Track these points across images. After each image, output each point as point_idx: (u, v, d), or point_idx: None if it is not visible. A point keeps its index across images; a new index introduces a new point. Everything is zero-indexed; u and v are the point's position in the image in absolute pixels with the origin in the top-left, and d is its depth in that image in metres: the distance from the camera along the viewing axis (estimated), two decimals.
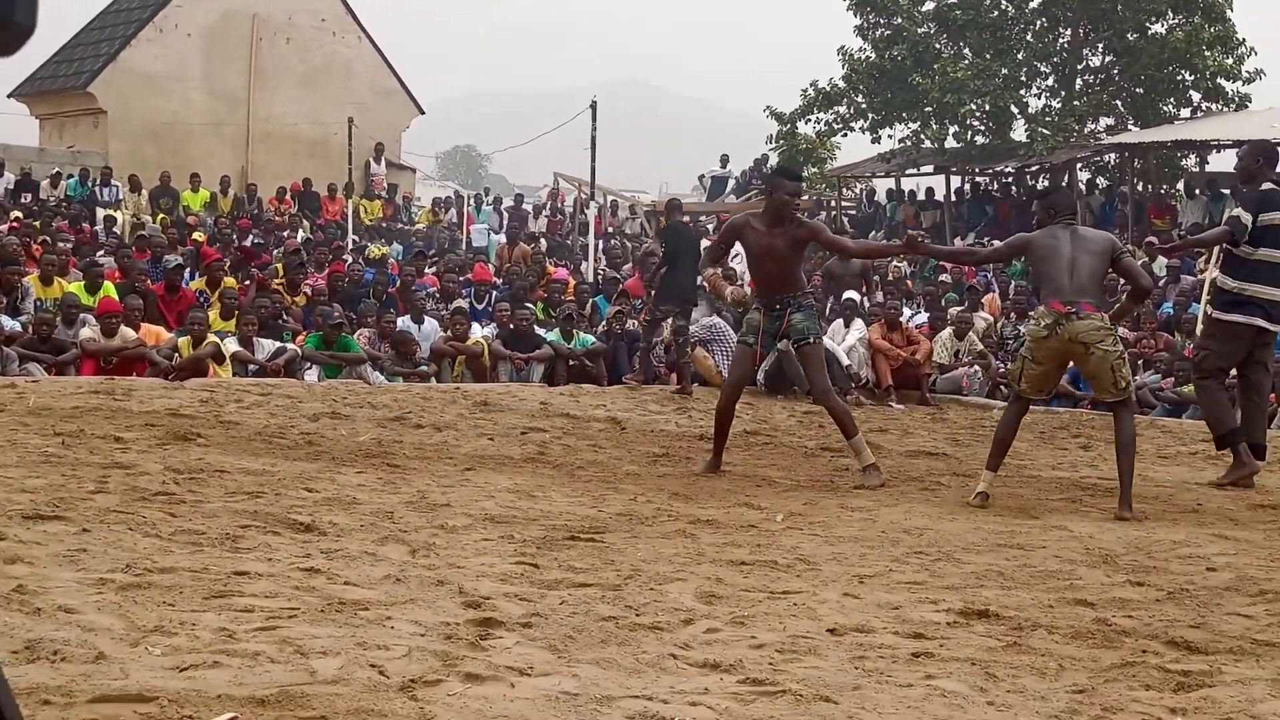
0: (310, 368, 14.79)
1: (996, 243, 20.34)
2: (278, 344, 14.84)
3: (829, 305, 17.60)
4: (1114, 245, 8.98)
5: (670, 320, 15.50)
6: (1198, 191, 26.96)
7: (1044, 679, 4.66)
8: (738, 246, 10.92)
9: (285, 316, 16.11)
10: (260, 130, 31.89)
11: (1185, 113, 30.56)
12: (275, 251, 22.49)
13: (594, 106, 23.53)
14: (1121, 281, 12.11)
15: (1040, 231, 9.04)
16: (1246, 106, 29.89)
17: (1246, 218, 10.34)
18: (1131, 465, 8.74)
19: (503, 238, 28.19)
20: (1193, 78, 30.02)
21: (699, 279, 15.64)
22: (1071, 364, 9.34)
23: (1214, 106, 30.12)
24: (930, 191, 32.10)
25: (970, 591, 6.00)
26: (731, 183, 34.78)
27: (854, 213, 33.91)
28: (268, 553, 6.02)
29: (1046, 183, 30.93)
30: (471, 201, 33.23)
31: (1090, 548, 7.23)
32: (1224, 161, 29.85)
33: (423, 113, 35.13)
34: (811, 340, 9.64)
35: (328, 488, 7.93)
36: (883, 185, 34.76)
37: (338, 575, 5.67)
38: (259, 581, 5.44)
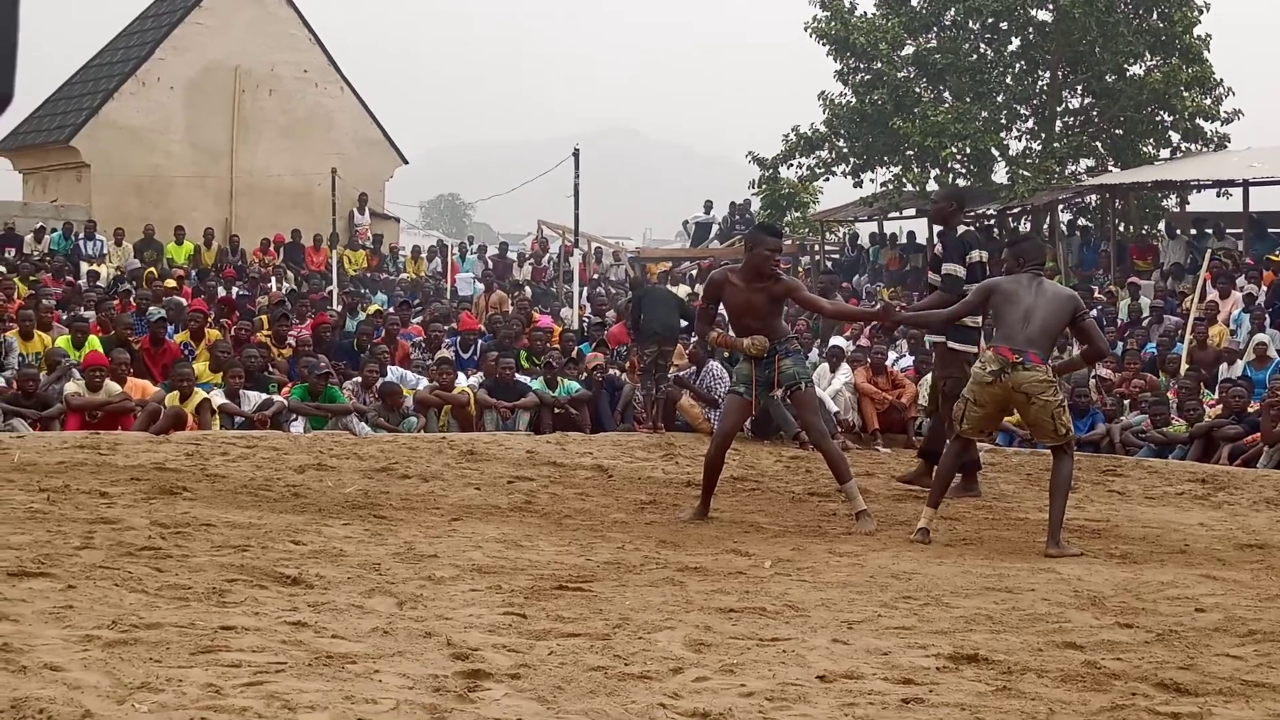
0: (296, 419, 14.77)
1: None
2: (264, 396, 14.82)
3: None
4: (1077, 305, 9.17)
5: (657, 360, 15.80)
6: (1179, 231, 27.08)
7: None
8: None
9: (271, 368, 16.09)
10: (243, 182, 31.88)
11: (1165, 153, 30.70)
12: (259, 301, 22.50)
13: (577, 154, 23.62)
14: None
15: (1005, 279, 9.25)
16: (1226, 146, 30.05)
17: (961, 269, 11.29)
18: (1063, 506, 8.95)
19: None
20: (1172, 118, 30.17)
21: (675, 319, 15.93)
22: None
23: (1193, 147, 30.26)
24: (913, 235, 32.18)
25: (959, 636, 5.99)
26: (715, 228, 34.88)
27: (837, 257, 33.99)
28: (255, 606, 6.00)
29: (1028, 225, 31.03)
30: (456, 250, 33.28)
31: (1078, 590, 7.23)
32: (1205, 201, 30.03)
33: (406, 162, 35.15)
34: (803, 386, 9.67)
35: (314, 540, 7.91)
36: (865, 229, 34.84)
37: (325, 628, 5.65)
38: (246, 636, 5.42)
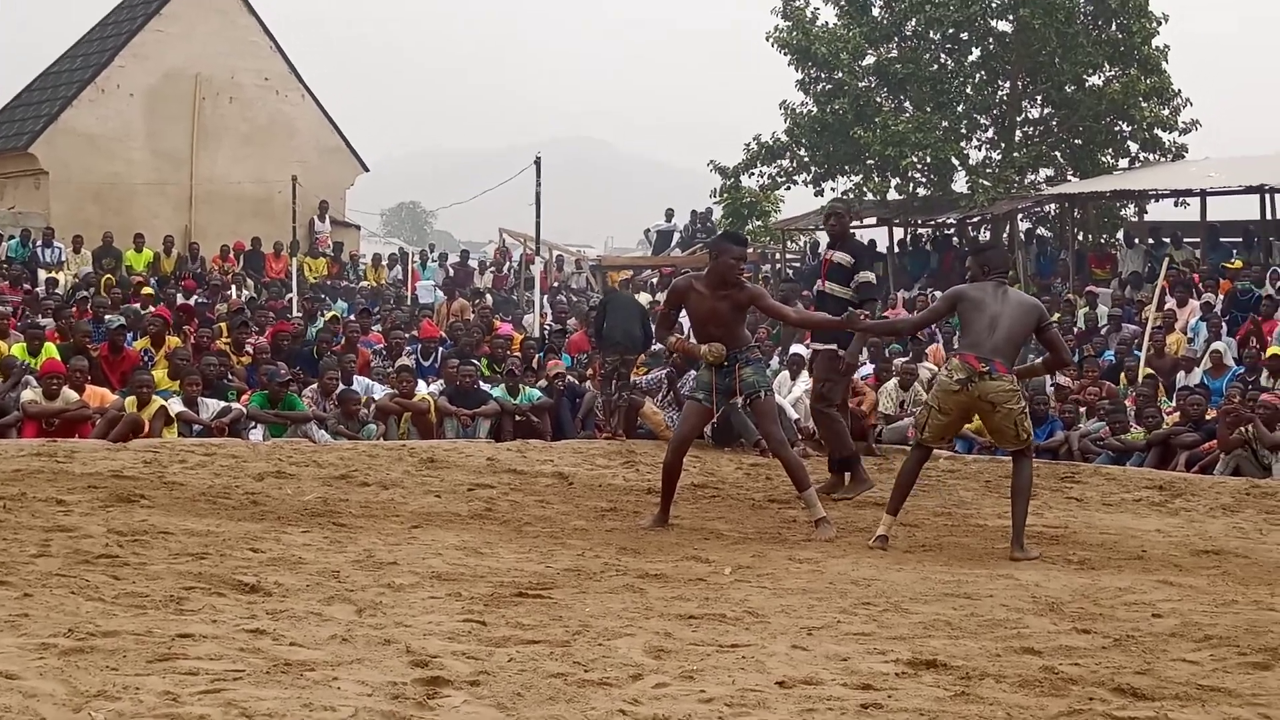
0: (255, 427, 14.71)
1: (937, 293, 20.49)
2: (222, 403, 14.75)
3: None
4: (1042, 314, 9.25)
5: (619, 368, 15.86)
6: (1137, 241, 27.25)
7: None
8: None
9: (230, 376, 16.02)
10: (203, 190, 31.73)
11: (1123, 163, 30.93)
12: (219, 309, 22.40)
13: (538, 162, 23.64)
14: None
15: (972, 285, 9.29)
16: (1183, 156, 30.31)
17: (871, 275, 11.87)
18: (1025, 509, 9.07)
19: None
20: (1130, 129, 30.42)
21: (638, 329, 15.98)
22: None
23: (1151, 157, 30.51)
24: (873, 243, 32.18)
25: (918, 642, 6.01)
26: (676, 236, 34.93)
27: (798, 265, 34.06)
28: (212, 614, 5.98)
29: (988, 233, 31.19)
30: (417, 258, 33.18)
31: (1037, 596, 7.27)
32: (1162, 211, 30.25)
33: (367, 170, 35.06)
34: (763, 394, 9.69)
35: (273, 548, 7.89)
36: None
37: (283, 636, 5.64)
38: (204, 644, 5.40)
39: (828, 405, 12.13)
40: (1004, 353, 8.91)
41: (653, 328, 18.13)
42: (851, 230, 12.22)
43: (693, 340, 10.02)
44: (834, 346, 11.79)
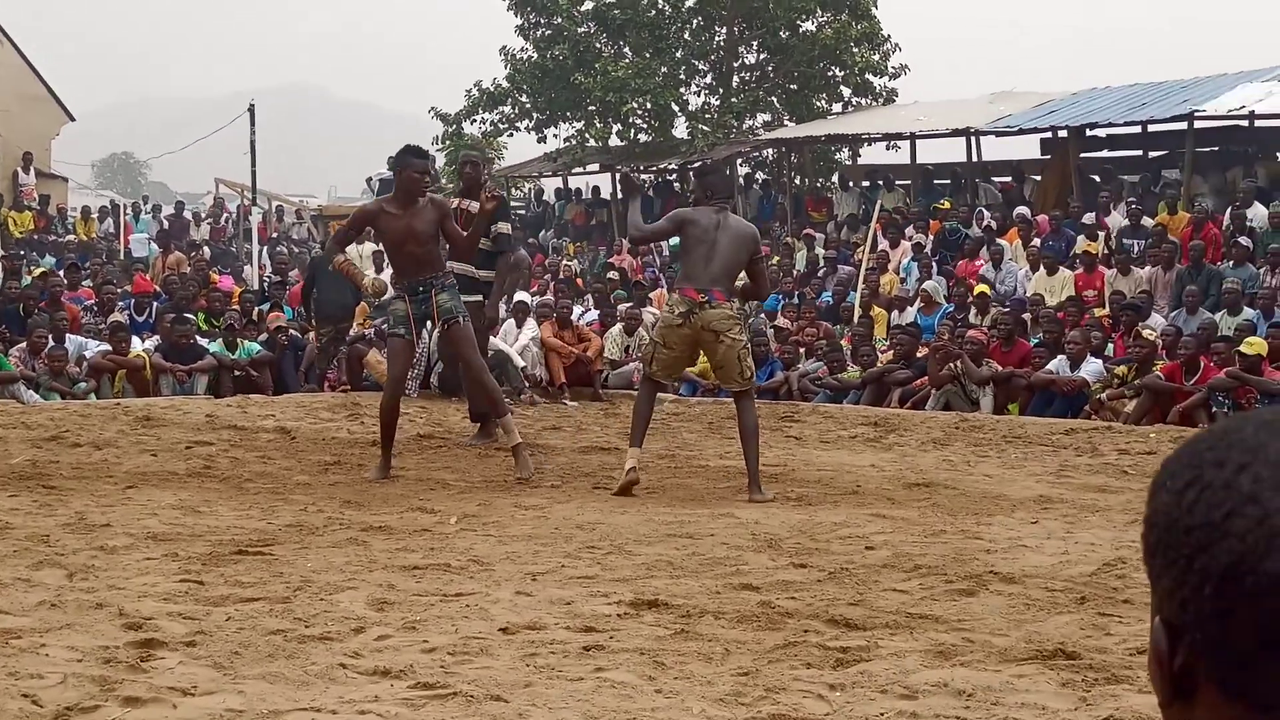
0: None
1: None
2: None
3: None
4: (757, 242, 9.37)
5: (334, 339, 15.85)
6: (851, 184, 27.94)
7: (710, 664, 4.77)
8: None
9: None
10: None
11: (837, 108, 31.69)
12: None
13: (252, 110, 23.12)
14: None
15: (698, 211, 9.28)
16: (894, 100, 31.19)
17: (507, 225, 12.11)
18: (757, 450, 9.12)
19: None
20: (843, 74, 31.16)
21: (349, 297, 15.88)
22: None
23: (863, 101, 31.32)
24: (597, 190, 32.45)
25: (640, 583, 6.09)
26: None
27: (524, 212, 34.06)
28: None
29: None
30: (129, 210, 32.12)
31: (756, 533, 7.43)
32: (875, 155, 31.05)
33: (73, 119, 33.78)
34: (460, 319, 9.69)
35: None
36: (551, 184, 35.01)
37: None
38: None
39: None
40: (721, 282, 8.98)
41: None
42: (485, 178, 12.12)
43: (372, 271, 10.02)
44: (479, 298, 11.65)
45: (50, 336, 14.97)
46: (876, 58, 30.74)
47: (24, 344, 14.96)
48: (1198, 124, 21.85)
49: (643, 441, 9.33)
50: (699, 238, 9.05)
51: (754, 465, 9.02)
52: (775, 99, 32.18)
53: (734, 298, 9.16)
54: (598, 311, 18.23)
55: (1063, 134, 24.05)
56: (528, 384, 15.43)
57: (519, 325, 16.39)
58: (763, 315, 17.94)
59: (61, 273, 20.52)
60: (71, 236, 29.63)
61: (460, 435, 12.24)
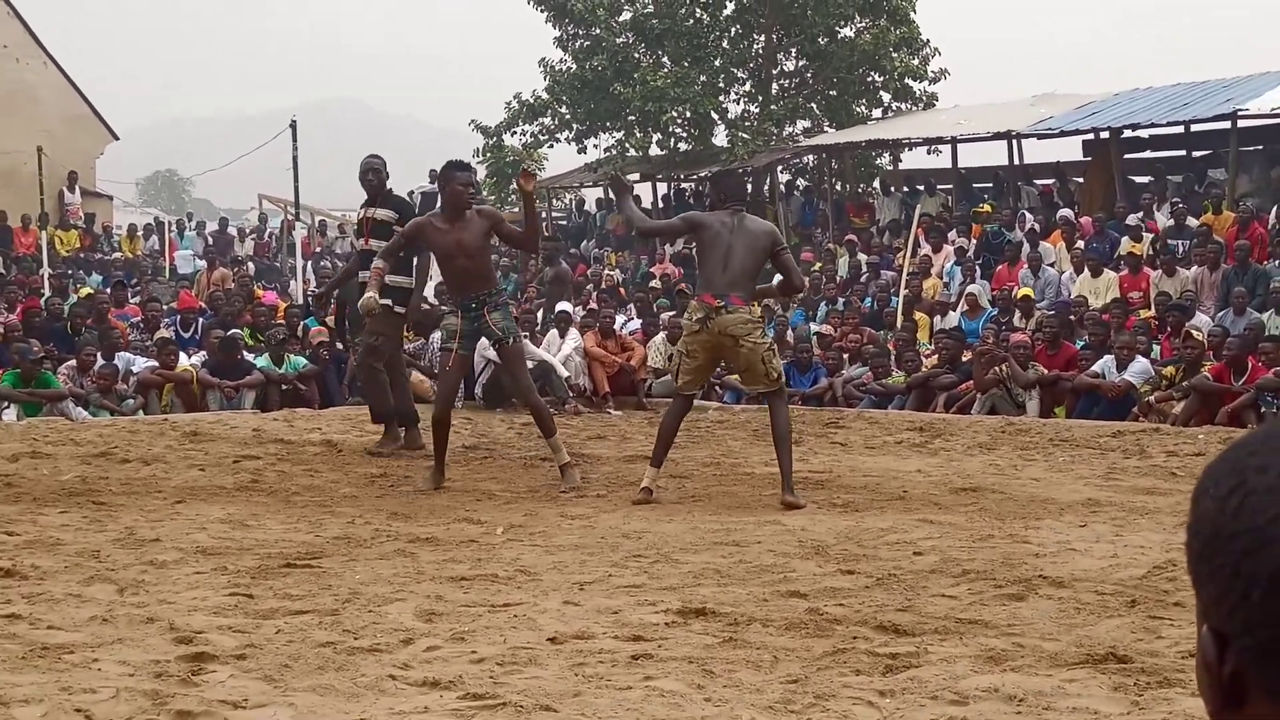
0: (8, 407, 14.18)
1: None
2: None
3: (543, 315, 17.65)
4: (775, 239, 9.26)
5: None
6: (893, 189, 27.87)
7: (759, 672, 4.76)
8: None
9: None
10: None
11: (877, 113, 31.60)
12: None
13: (294, 126, 23.25)
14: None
15: (711, 215, 9.25)
16: (934, 105, 31.08)
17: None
18: (790, 453, 9.06)
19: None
20: (882, 79, 31.06)
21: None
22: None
23: (903, 106, 31.22)
24: (638, 199, 32.45)
25: (688, 591, 6.09)
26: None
27: (565, 223, 34.10)
28: None
29: (750, 186, 31.59)
30: (174, 227, 32.34)
31: (803, 540, 7.41)
32: (916, 159, 30.96)
33: (116, 138, 34.03)
34: (511, 340, 9.71)
35: (29, 530, 7.63)
36: (591, 195, 35.04)
37: (40, 620, 5.47)
38: None
39: (377, 360, 11.80)
40: (739, 286, 8.93)
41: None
42: (389, 186, 11.94)
43: (433, 286, 10.03)
44: (389, 302, 11.44)
45: (99, 354, 15.09)
46: (916, 62, 30.65)
47: (72, 362, 15.08)
48: (1241, 123, 21.67)
49: (663, 461, 9.34)
50: (713, 242, 9.02)
51: (787, 466, 8.98)
52: (815, 105, 32.11)
53: (754, 301, 9.12)
54: (640, 320, 18.24)
55: (1104, 135, 23.93)
56: (572, 394, 15.45)
57: (562, 335, 16.42)
58: (809, 324, 17.91)
59: (108, 290, 20.69)
60: (117, 254, 29.86)
61: (506, 447, 12.27)
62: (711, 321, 8.91)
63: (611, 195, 10.04)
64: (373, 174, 11.98)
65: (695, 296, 9.21)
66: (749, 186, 29.14)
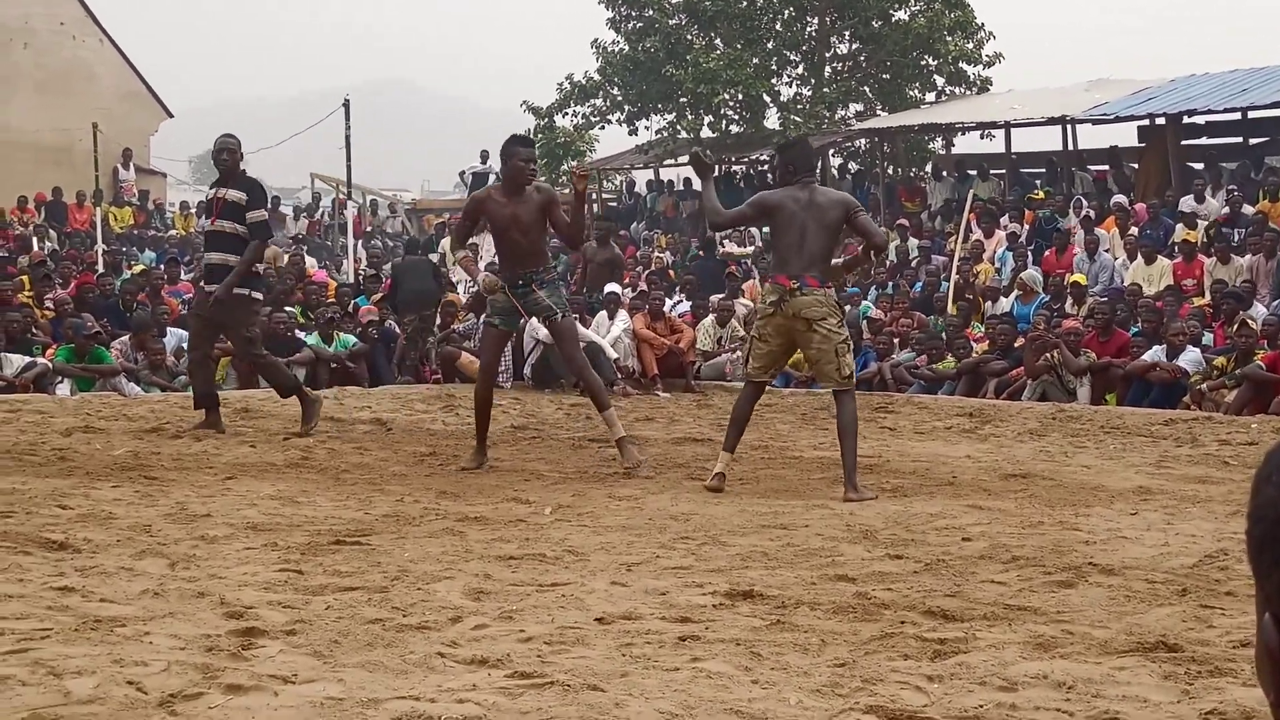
0: (62, 381, 14.32)
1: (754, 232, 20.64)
2: (27, 359, 14.33)
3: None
4: (848, 206, 8.85)
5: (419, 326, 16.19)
6: (945, 173, 27.76)
7: (807, 655, 4.76)
8: None
9: (34, 330, 15.55)
10: None
11: (930, 97, 31.46)
12: (20, 261, 21.72)
13: (347, 105, 23.28)
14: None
15: (782, 193, 8.80)
16: (988, 89, 30.91)
17: (264, 212, 11.48)
18: (855, 448, 8.68)
19: None
20: (936, 63, 30.93)
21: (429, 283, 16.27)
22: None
23: (957, 90, 31.07)
24: (689, 182, 32.40)
25: (735, 573, 6.08)
26: (492, 178, 34.65)
27: (615, 205, 34.11)
28: (19, 574, 5.81)
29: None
30: None
31: (851, 524, 7.39)
32: (969, 144, 30.83)
33: (171, 116, 34.24)
34: (560, 316, 9.71)
35: (82, 504, 7.69)
36: (642, 176, 35.03)
37: (93, 593, 5.51)
38: (10, 603, 5.26)
39: (258, 349, 11.57)
40: (816, 266, 8.60)
41: (447, 271, 18.38)
42: (243, 167, 11.64)
43: (484, 267, 10.05)
44: (246, 291, 11.26)
45: (159, 335, 15.23)
46: (970, 46, 30.48)
47: (126, 337, 15.19)
48: None
49: (736, 446, 9.07)
50: (787, 222, 8.64)
51: (851, 463, 8.60)
52: (868, 89, 32.01)
53: (830, 284, 8.73)
54: (689, 303, 18.22)
55: (1160, 121, 23.73)
56: (620, 376, 15.46)
57: (611, 317, 16.43)
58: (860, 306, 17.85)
59: (162, 267, 20.83)
60: (171, 231, 30.06)
61: (554, 428, 12.30)
62: (785, 304, 8.58)
63: (694, 174, 9.48)
64: (227, 154, 11.58)
65: (770, 279, 8.97)
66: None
